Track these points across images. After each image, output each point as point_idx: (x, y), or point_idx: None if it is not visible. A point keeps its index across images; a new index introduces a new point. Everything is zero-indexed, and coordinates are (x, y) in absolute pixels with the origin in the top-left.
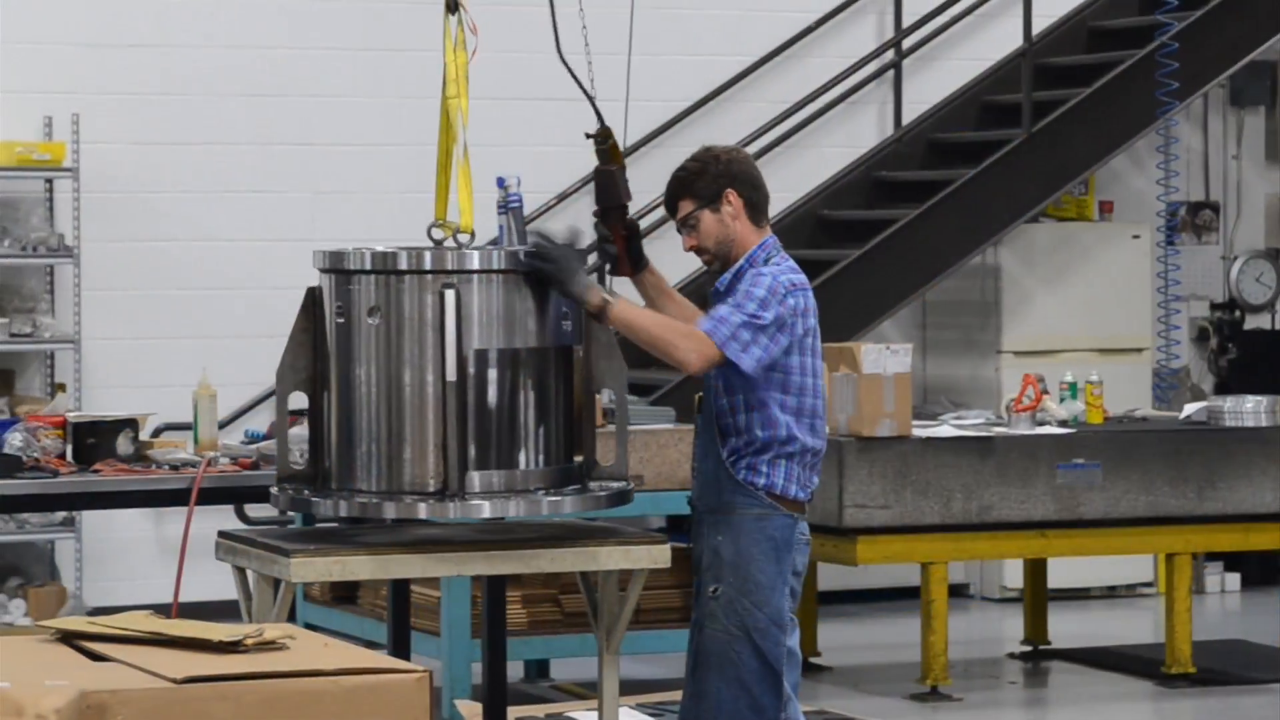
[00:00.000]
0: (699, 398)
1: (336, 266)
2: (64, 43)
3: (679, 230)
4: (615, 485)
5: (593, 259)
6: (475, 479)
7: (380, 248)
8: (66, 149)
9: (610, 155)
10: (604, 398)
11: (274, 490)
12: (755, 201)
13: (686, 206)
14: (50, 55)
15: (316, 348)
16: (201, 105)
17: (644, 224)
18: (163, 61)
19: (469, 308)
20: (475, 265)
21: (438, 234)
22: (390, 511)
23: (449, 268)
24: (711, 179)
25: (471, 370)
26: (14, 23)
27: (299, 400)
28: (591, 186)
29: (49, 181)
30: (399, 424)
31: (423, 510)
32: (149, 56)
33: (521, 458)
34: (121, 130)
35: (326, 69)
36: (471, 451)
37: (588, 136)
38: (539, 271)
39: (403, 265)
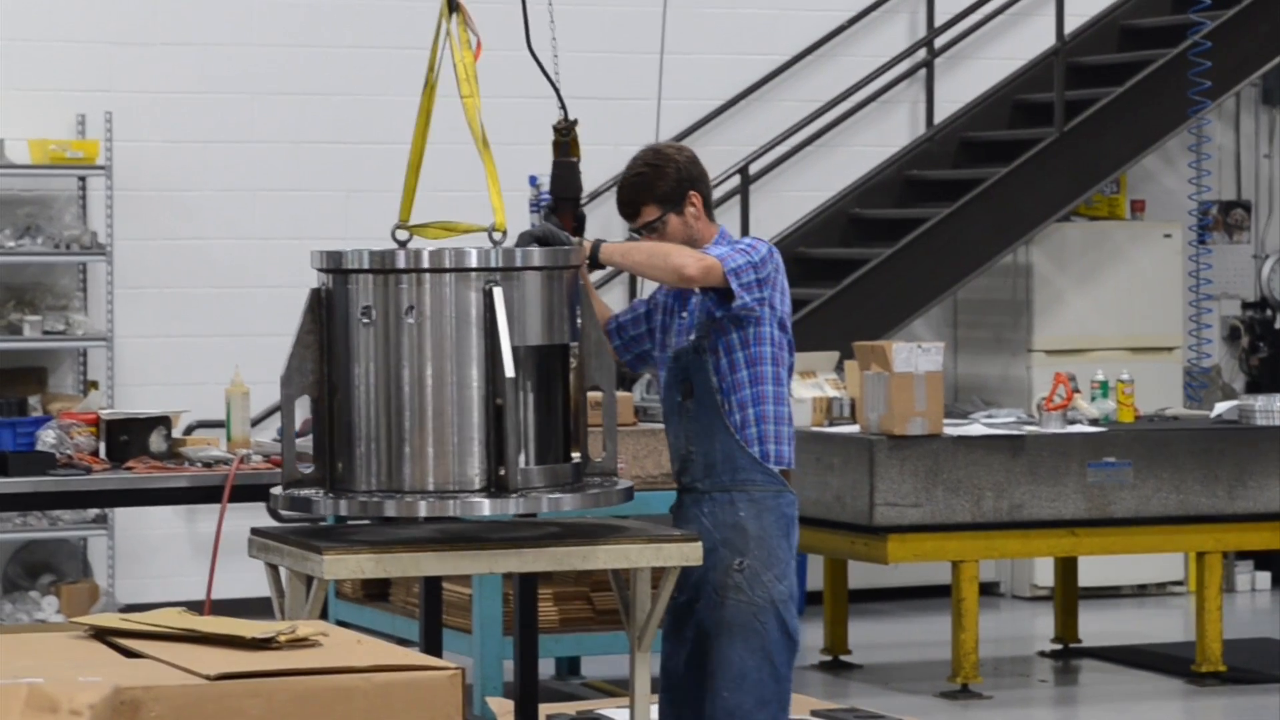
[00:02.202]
0: (686, 385)
1: (336, 266)
2: (97, 41)
3: (639, 233)
4: (619, 482)
5: None
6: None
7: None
8: (100, 147)
9: (570, 148)
10: (635, 395)
11: (279, 492)
12: (709, 198)
13: (651, 212)
14: (83, 53)
15: (323, 350)
16: (234, 103)
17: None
18: (196, 60)
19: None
20: (518, 263)
21: (402, 235)
22: (390, 510)
23: (475, 264)
24: (675, 182)
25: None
26: (48, 21)
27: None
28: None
29: (82, 179)
30: (450, 422)
31: (423, 509)
32: (182, 55)
33: (524, 456)
34: (154, 128)
35: (359, 67)
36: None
37: (554, 128)
38: (537, 240)
39: (447, 263)
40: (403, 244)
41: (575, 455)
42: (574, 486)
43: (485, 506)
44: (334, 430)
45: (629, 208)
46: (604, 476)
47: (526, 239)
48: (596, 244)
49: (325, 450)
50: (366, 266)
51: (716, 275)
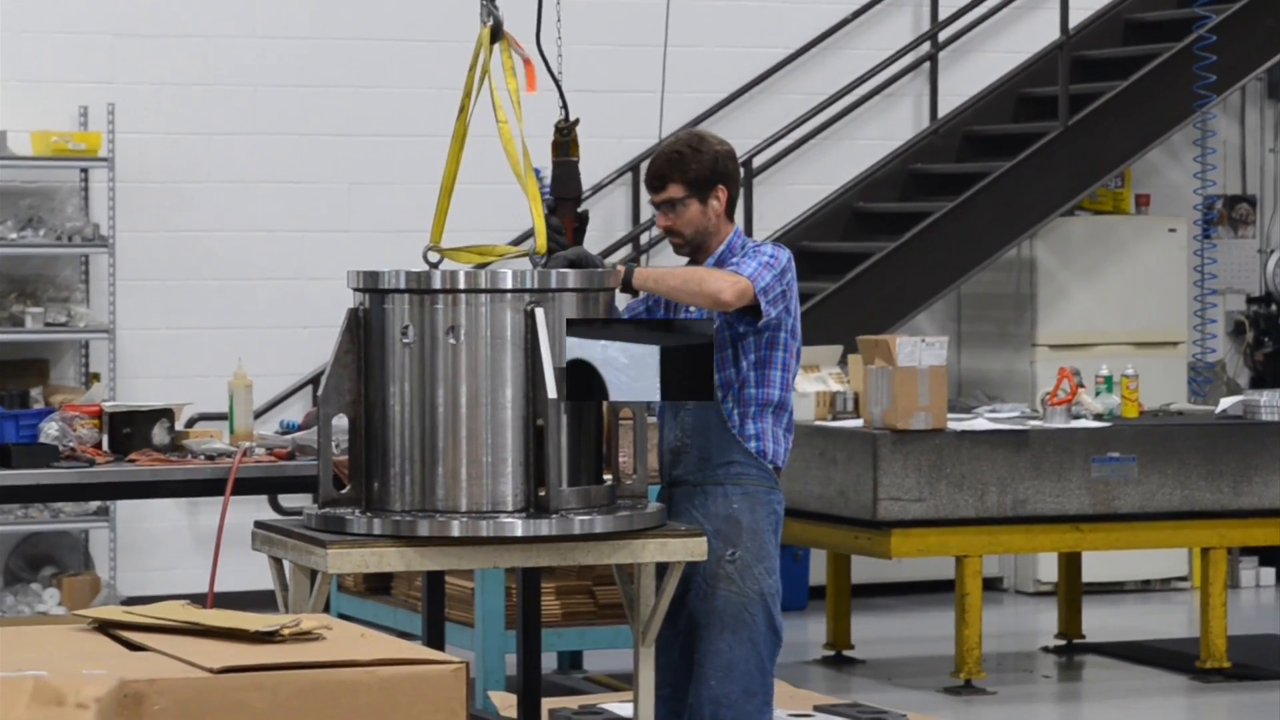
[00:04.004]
0: None
1: (373, 286)
2: (100, 32)
3: (657, 207)
4: (650, 505)
5: None
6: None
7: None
8: (102, 139)
9: (570, 147)
10: None
11: (314, 511)
12: (734, 199)
13: (675, 190)
14: (86, 45)
15: (361, 369)
16: (237, 95)
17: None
18: (199, 51)
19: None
20: (554, 285)
21: (434, 257)
22: (424, 530)
23: (512, 286)
24: (708, 171)
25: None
26: (50, 13)
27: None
28: (626, 178)
29: (84, 171)
30: (485, 443)
31: (456, 529)
32: (185, 46)
33: (564, 476)
34: (157, 120)
35: (363, 60)
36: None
37: (556, 128)
38: (570, 263)
39: (484, 284)
40: (434, 265)
41: (607, 477)
42: (607, 508)
43: (519, 527)
44: (370, 449)
45: (657, 179)
46: (635, 499)
47: (560, 262)
48: (630, 269)
49: (362, 469)
50: (404, 287)
51: (749, 298)
